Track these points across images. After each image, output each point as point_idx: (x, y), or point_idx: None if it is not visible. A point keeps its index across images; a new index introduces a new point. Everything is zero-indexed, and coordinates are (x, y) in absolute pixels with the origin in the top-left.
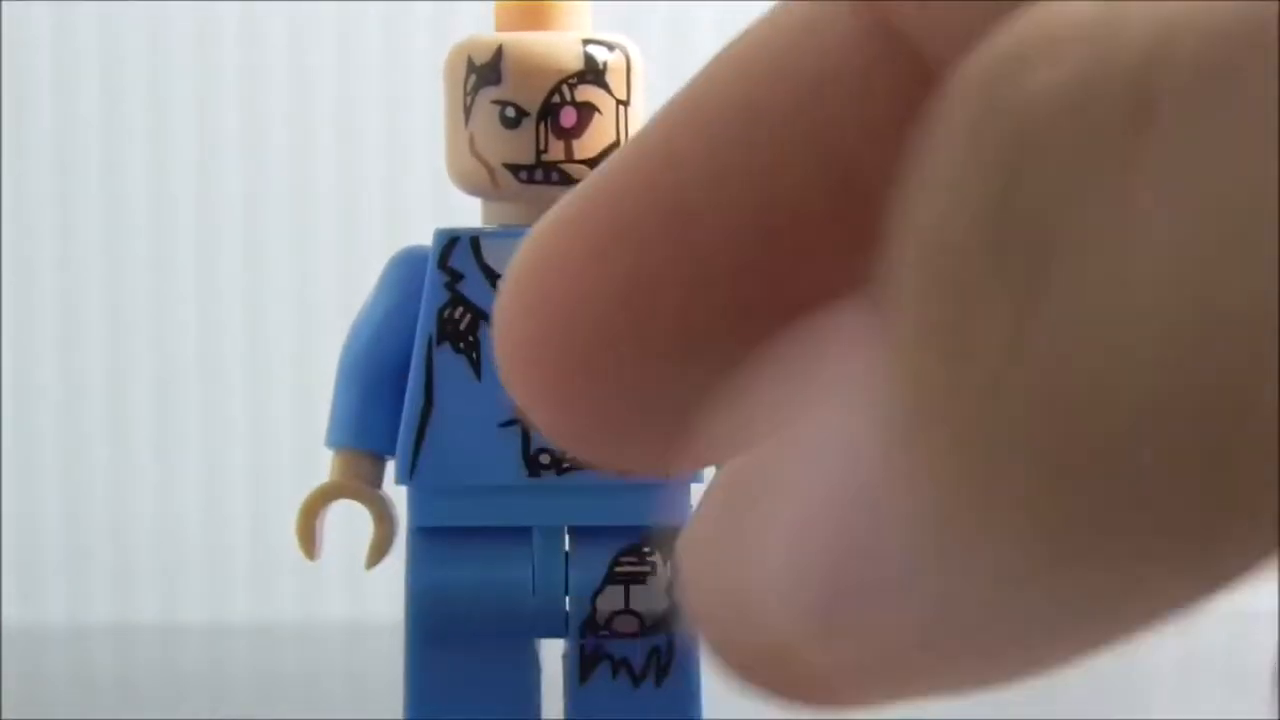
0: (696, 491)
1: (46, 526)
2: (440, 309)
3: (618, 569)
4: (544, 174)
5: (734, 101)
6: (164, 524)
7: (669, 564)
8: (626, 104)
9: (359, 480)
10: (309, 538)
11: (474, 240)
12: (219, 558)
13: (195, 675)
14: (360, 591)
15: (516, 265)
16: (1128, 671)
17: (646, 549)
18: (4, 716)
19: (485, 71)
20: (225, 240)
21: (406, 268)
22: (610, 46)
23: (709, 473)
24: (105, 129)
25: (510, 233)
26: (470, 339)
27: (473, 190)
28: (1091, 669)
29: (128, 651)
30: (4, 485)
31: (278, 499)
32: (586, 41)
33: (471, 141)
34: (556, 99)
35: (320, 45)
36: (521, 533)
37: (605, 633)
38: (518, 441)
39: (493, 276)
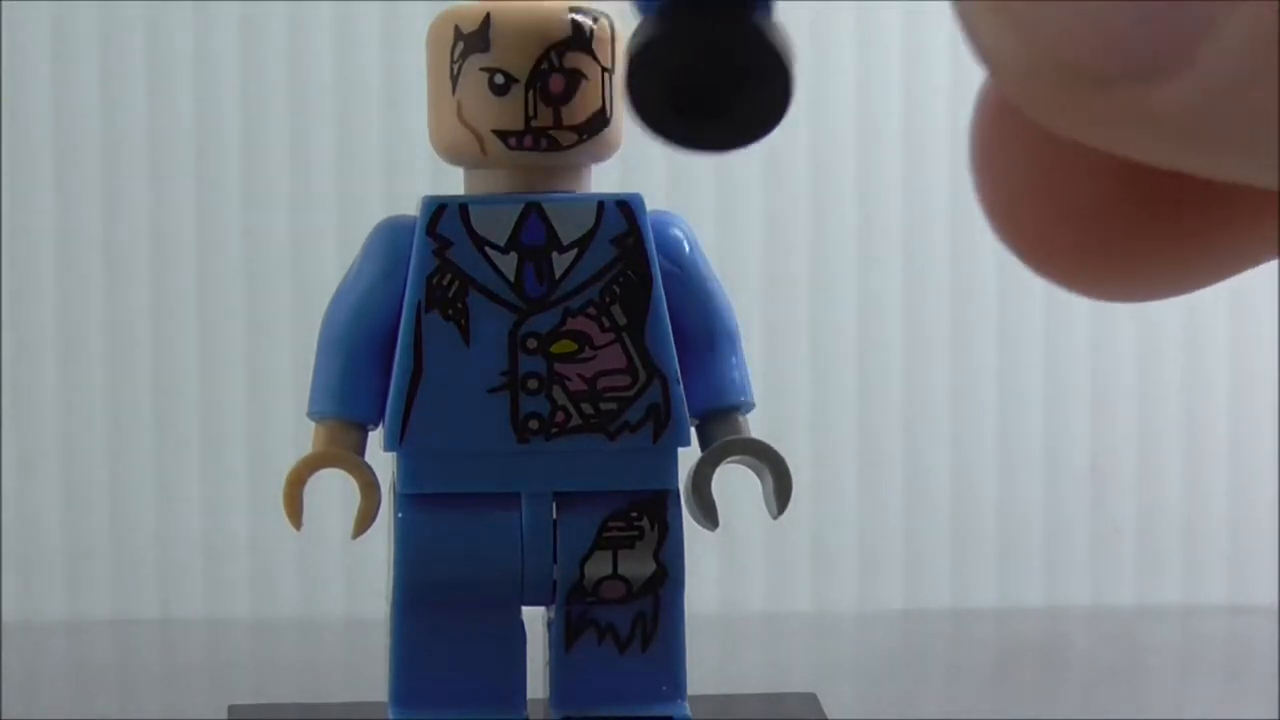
0: (684, 456)
1: (46, 522)
2: (429, 276)
3: (606, 534)
4: (533, 140)
5: None
6: (163, 519)
7: (655, 528)
8: (611, 71)
9: (344, 449)
10: (295, 507)
11: (462, 207)
12: (218, 553)
13: (194, 670)
14: (359, 587)
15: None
16: (1127, 670)
17: (634, 514)
18: (3, 711)
19: (473, 39)
20: (225, 241)
21: (390, 237)
22: (595, 15)
23: (695, 438)
24: (105, 128)
25: (498, 200)
26: (459, 305)
27: (459, 159)
28: (1092, 667)
29: (127, 646)
30: (4, 482)
31: (276, 495)
32: (572, 9)
33: (459, 109)
34: (545, 66)
35: (319, 43)
36: (509, 499)
37: (593, 598)
38: (506, 407)
39: (481, 243)
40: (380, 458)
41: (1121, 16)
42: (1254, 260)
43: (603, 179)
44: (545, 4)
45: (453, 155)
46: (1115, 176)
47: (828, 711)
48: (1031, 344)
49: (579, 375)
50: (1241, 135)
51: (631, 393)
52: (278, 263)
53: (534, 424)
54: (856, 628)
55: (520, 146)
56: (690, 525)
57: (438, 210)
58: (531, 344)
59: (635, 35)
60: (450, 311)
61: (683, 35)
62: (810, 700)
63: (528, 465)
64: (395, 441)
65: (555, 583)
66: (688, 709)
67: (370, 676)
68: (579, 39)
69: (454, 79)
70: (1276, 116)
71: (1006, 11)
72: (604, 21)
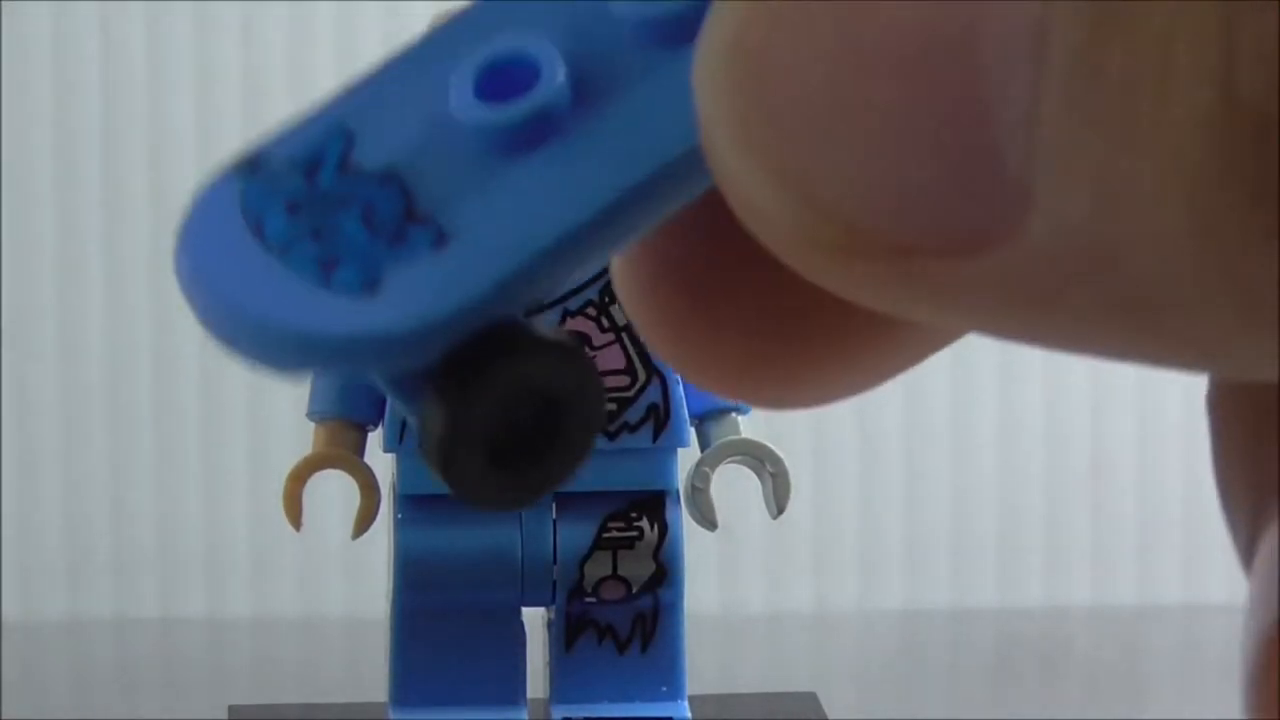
0: (683, 457)
1: (46, 522)
2: None
3: (605, 535)
4: None
5: None
6: (163, 519)
7: (655, 528)
8: None
9: (344, 450)
10: (295, 507)
11: None
12: (218, 552)
13: (194, 670)
14: (359, 587)
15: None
16: (1127, 670)
17: (634, 514)
18: (4, 711)
19: None
20: None
21: None
22: None
23: (694, 439)
24: (105, 128)
25: None
26: None
27: None
28: (1092, 667)
29: (127, 646)
30: (4, 482)
31: (276, 494)
32: None
33: None
34: None
35: (320, 42)
36: None
37: (592, 599)
38: None
39: None
40: (380, 458)
41: (931, 180)
42: (938, 344)
43: None
44: None
45: None
46: (773, 276)
47: (828, 711)
48: None
49: None
50: (1083, 302)
51: (631, 393)
52: None
53: None
54: (857, 627)
55: None
56: (690, 525)
57: None
58: None
59: (428, 425)
60: None
61: (481, 414)
62: (810, 700)
63: None
64: (395, 442)
65: (555, 583)
66: (687, 709)
67: (370, 676)
68: None
69: None
70: (1122, 278)
71: (783, 174)
72: None
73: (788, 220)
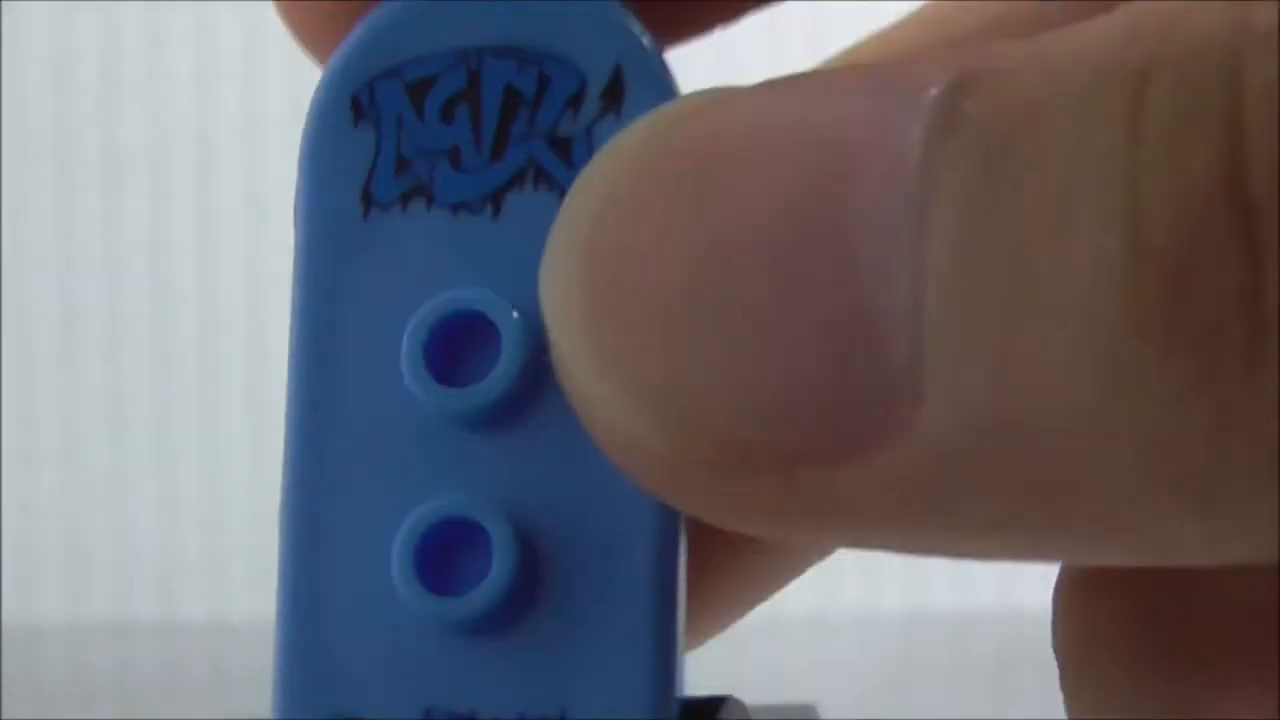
0: None
1: (45, 524)
2: None
3: None
4: None
5: None
6: (163, 521)
7: None
8: None
9: None
10: None
11: None
12: (218, 555)
13: (195, 674)
14: None
15: None
16: None
17: None
18: (4, 714)
19: None
20: (225, 241)
21: None
22: None
23: None
24: (105, 127)
25: None
26: None
27: None
28: None
29: (127, 650)
30: (4, 483)
31: (277, 497)
32: None
33: None
34: None
35: None
36: None
37: None
38: None
39: None
40: None
41: (811, 380)
42: (802, 567)
43: None
44: None
45: None
46: None
47: (827, 713)
48: None
49: None
50: (988, 495)
51: None
52: (278, 261)
53: None
54: (857, 630)
55: None
56: None
57: None
58: None
59: None
60: None
61: None
62: (809, 712)
63: None
64: None
65: None
66: None
67: None
68: None
69: None
70: (1031, 460)
71: (640, 390)
72: None
73: (653, 442)
